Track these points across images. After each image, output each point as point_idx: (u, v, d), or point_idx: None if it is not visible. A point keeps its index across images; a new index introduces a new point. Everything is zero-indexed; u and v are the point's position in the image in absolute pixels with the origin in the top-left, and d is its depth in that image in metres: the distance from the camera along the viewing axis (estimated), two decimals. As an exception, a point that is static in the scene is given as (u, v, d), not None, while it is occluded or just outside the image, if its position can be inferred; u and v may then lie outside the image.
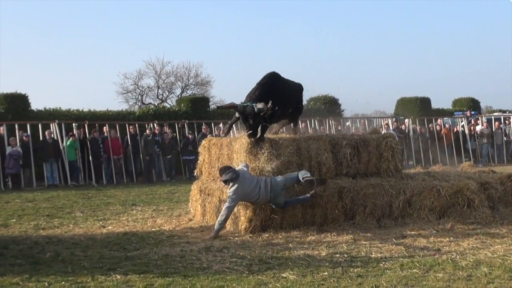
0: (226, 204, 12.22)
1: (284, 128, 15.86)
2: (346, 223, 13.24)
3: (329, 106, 37.47)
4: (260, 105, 12.56)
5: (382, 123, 33.54)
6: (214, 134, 26.01)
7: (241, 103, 13.06)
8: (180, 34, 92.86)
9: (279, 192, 12.30)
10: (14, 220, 15.83)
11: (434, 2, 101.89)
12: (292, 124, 15.55)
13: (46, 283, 8.86)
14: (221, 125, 29.81)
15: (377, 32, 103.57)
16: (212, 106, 39.77)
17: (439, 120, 35.50)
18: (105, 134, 28.45)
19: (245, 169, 12.57)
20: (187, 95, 53.42)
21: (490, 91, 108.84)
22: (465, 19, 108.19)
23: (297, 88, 15.04)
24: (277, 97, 13.21)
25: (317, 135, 14.70)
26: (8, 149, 25.42)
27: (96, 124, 28.95)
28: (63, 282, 8.89)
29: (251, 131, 12.99)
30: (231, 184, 12.13)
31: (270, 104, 12.52)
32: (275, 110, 12.88)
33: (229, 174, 12.12)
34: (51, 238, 12.98)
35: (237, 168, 12.52)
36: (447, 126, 34.88)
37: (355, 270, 9.40)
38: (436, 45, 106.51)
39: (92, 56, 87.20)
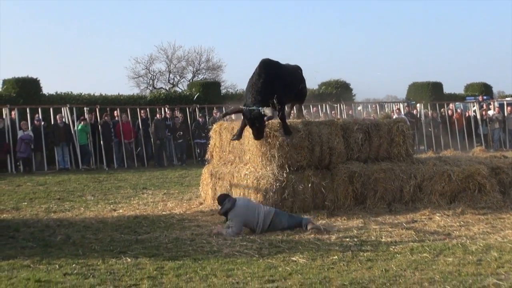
0: (230, 232, 11.16)
1: (295, 108, 15.77)
2: (356, 208, 13.31)
3: (341, 90, 37.36)
4: (268, 112, 12.17)
5: (394, 108, 33.40)
6: (225, 119, 26.01)
7: (246, 106, 12.69)
8: (192, 19, 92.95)
9: (276, 230, 11.51)
10: (26, 203, 15.95)
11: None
12: (297, 106, 15.49)
13: (57, 266, 8.92)
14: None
15: (390, 17, 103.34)
16: (224, 91, 39.74)
17: (451, 105, 35.41)
18: (116, 118, 28.55)
19: (243, 199, 12.03)
20: (198, 79, 53.43)
21: (502, 76, 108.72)
22: (478, 3, 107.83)
23: (295, 69, 14.59)
24: (279, 86, 13.01)
25: (329, 120, 14.63)
26: (20, 133, 25.54)
27: (107, 108, 29.07)
28: (73, 265, 8.94)
29: (258, 134, 12.78)
30: (228, 215, 11.46)
31: (275, 101, 12.46)
32: (281, 107, 12.80)
33: (225, 205, 11.45)
34: (62, 221, 13.08)
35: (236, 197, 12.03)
36: (458, 111, 34.81)
37: (365, 254, 9.45)
38: (448, 30, 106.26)
39: (104, 40, 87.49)
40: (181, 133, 29.23)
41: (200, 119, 29.83)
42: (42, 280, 8.09)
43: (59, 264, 9.02)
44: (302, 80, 14.68)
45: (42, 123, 26.75)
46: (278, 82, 13.03)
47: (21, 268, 8.81)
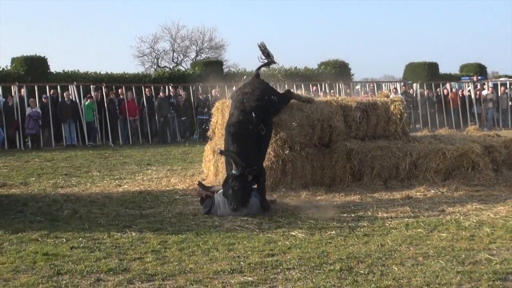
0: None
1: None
2: (353, 184, 13.48)
3: (339, 70, 37.52)
4: (234, 171, 10.94)
5: (391, 87, 33.58)
6: (227, 97, 26.15)
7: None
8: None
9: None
10: (34, 178, 16.17)
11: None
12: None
13: (64, 239, 9.15)
14: (234, 88, 29.94)
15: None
16: (226, 70, 39.92)
17: (446, 85, 35.66)
18: (122, 96, 28.81)
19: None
20: (201, 58, 53.64)
21: (497, 57, 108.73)
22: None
23: (257, 93, 12.55)
24: (248, 125, 11.70)
25: (330, 99, 14.76)
26: (28, 110, 25.89)
27: (113, 86, 29.35)
28: (80, 238, 9.17)
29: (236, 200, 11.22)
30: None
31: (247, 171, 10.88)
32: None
33: (203, 209, 11.18)
34: (69, 196, 13.29)
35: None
36: (454, 90, 35.10)
37: (361, 229, 9.67)
38: (444, 11, 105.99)
39: (110, 20, 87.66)
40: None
41: (201, 96, 30.16)
42: (49, 253, 8.29)
43: (66, 237, 9.25)
44: (271, 96, 12.94)
45: (51, 92, 27.26)
46: (247, 128, 11.71)
47: (29, 242, 9.03)
